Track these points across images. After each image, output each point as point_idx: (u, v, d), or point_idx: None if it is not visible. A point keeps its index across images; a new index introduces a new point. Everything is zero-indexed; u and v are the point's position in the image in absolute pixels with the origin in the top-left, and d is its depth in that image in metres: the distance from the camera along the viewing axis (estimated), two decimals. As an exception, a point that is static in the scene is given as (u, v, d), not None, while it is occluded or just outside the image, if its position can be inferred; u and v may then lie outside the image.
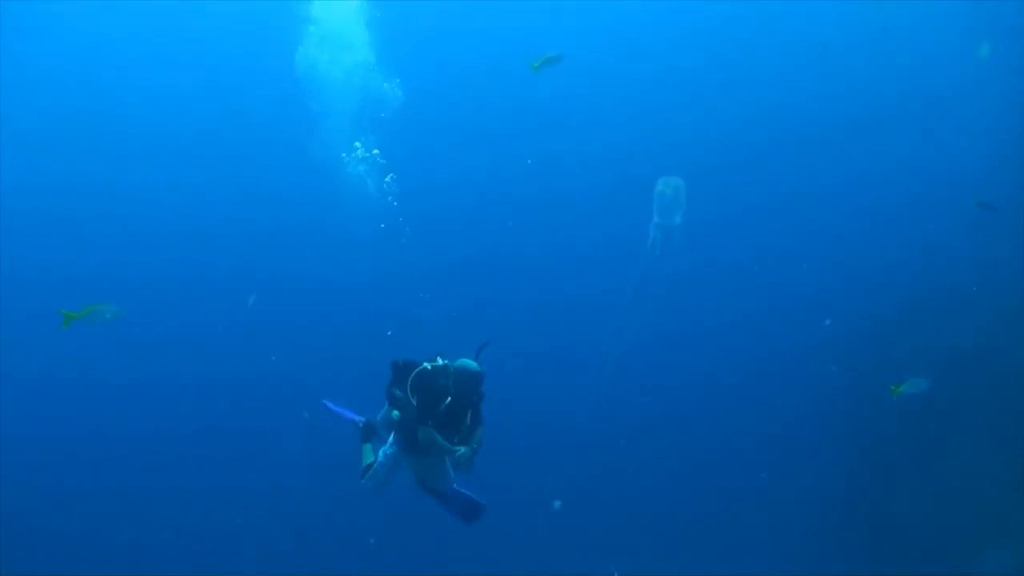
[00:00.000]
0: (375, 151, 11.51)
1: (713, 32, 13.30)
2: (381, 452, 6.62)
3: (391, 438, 6.52)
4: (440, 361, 6.23)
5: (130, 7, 12.56)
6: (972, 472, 10.48)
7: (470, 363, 6.04)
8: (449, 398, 6.01)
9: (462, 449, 6.07)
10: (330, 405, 7.12)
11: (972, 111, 12.42)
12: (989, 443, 10.47)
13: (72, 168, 12.50)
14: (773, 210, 13.12)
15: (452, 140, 13.20)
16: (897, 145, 12.71)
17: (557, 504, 11.13)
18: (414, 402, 6.05)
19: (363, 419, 6.80)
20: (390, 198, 11.43)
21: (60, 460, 11.22)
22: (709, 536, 11.57)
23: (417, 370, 6.12)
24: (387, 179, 11.64)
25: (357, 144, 11.50)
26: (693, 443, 12.23)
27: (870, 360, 11.46)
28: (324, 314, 12.52)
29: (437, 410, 6.02)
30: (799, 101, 13.26)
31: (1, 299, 11.42)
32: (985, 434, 10.52)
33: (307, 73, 11.72)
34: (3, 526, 10.02)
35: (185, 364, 11.73)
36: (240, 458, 11.58)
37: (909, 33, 12.53)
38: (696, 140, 12.97)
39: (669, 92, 13.20)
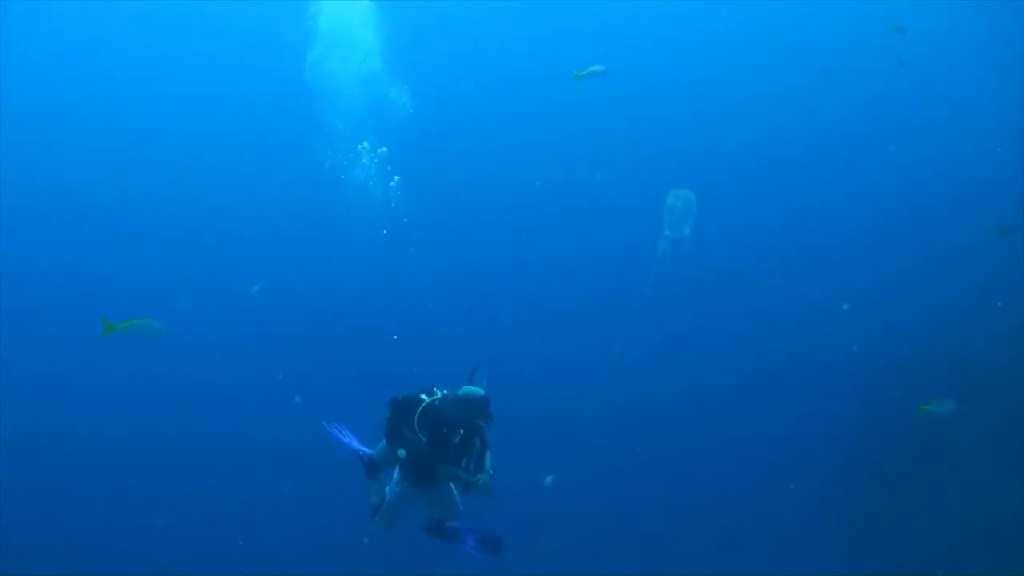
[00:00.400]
0: (382, 149, 11.42)
1: (725, 45, 13.28)
2: (388, 490, 6.48)
3: (396, 475, 6.40)
4: (439, 393, 6.11)
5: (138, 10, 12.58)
6: (984, 482, 10.54)
7: (474, 390, 5.92)
8: (462, 430, 5.92)
9: (482, 478, 6.01)
10: (332, 430, 6.94)
11: (1003, 122, 12.29)
12: (1005, 455, 10.44)
13: (79, 169, 12.51)
14: (789, 222, 13.12)
15: (461, 147, 13.15)
16: (922, 156, 12.69)
17: (549, 480, 11.02)
18: (423, 439, 5.91)
19: (368, 452, 6.66)
20: (400, 210, 11.36)
21: (61, 461, 11.20)
22: (730, 541, 11.60)
23: (423, 407, 5.96)
24: (393, 181, 11.57)
25: (364, 143, 11.41)
26: (703, 449, 12.21)
27: (888, 373, 11.52)
28: (329, 317, 12.47)
29: (451, 444, 5.92)
30: (822, 112, 13.27)
31: (4, 301, 11.35)
32: (1001, 446, 10.46)
33: (315, 79, 11.66)
34: (3, 526, 9.99)
35: (185, 366, 11.63)
36: (239, 459, 11.53)
37: (927, 45, 12.37)
38: (710, 153, 12.93)
39: (684, 103, 13.13)
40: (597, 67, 8.15)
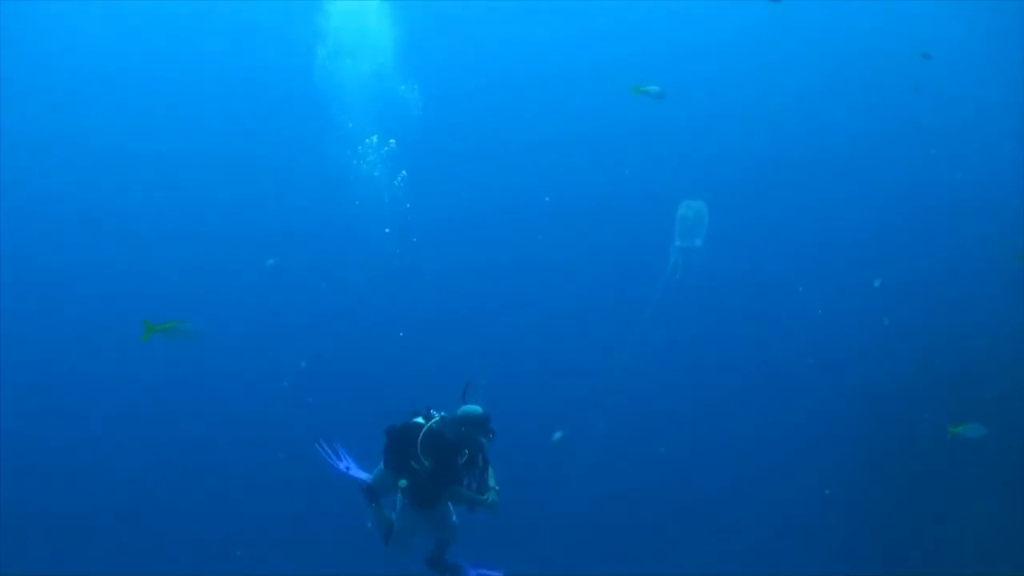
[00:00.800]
0: (391, 141, 11.32)
1: (740, 48, 13.05)
2: (395, 516, 6.37)
3: (399, 502, 6.31)
4: (436, 415, 6.01)
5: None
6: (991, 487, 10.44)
7: (473, 408, 5.83)
8: (466, 451, 5.83)
9: (490, 496, 5.93)
10: (327, 456, 6.78)
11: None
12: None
13: (86, 168, 12.39)
14: (804, 228, 12.95)
15: (469, 145, 12.93)
16: (946, 160, 12.50)
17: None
18: (427, 464, 5.81)
19: (365, 479, 6.55)
20: (406, 206, 11.27)
21: (62, 461, 11.10)
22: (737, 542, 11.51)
23: (424, 432, 5.84)
24: (399, 177, 11.46)
25: (373, 138, 11.30)
26: (714, 453, 12.10)
27: (903, 380, 11.49)
28: (336, 313, 12.30)
29: (457, 466, 5.84)
30: (836, 117, 13.05)
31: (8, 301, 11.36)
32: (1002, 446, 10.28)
33: (325, 77, 11.59)
34: (3, 526, 9.99)
35: (186, 362, 11.53)
36: (237, 457, 11.39)
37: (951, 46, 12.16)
38: (723, 160, 12.74)
39: (700, 107, 12.89)
40: (655, 87, 7.99)
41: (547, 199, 12.72)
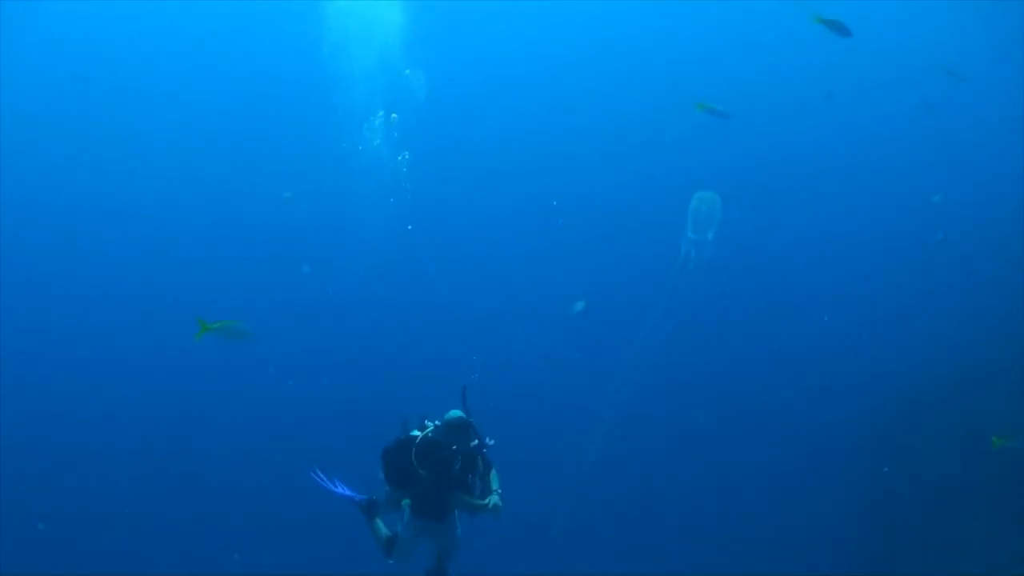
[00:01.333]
0: (393, 115, 11.22)
1: (755, 55, 12.92)
2: (401, 527, 6.28)
3: (405, 515, 6.20)
4: (430, 425, 5.95)
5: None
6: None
7: (453, 414, 5.77)
8: (460, 457, 5.74)
9: (492, 500, 5.81)
10: (322, 482, 6.65)
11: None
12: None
13: (89, 163, 12.41)
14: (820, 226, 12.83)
15: (475, 130, 12.87)
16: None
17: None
18: (424, 474, 5.75)
19: (363, 498, 6.44)
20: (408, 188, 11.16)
21: (62, 463, 11.05)
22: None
23: (417, 444, 5.81)
24: (401, 157, 11.30)
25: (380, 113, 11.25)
26: (720, 453, 12.02)
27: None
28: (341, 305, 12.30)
29: (455, 473, 5.76)
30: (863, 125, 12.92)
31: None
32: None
33: (332, 64, 11.54)
34: (3, 526, 9.97)
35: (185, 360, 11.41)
36: (241, 456, 11.37)
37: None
38: (732, 160, 12.56)
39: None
40: (720, 107, 7.88)
41: (554, 203, 12.63)
